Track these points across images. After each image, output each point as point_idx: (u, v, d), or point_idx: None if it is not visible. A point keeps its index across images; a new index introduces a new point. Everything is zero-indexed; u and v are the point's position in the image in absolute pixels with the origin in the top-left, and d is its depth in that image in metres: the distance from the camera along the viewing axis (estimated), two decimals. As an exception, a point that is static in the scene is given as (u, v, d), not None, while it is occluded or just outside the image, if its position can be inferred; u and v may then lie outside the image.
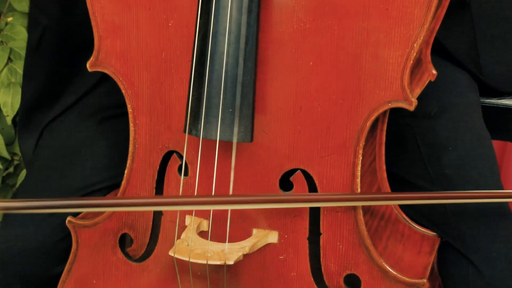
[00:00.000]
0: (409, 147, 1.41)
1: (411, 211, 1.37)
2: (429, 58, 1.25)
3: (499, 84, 1.51)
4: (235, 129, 1.16)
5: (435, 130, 1.41)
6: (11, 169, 1.87)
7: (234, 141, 1.17)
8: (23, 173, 1.82)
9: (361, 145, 1.20)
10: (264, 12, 1.16)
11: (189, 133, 1.18)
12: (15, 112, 1.77)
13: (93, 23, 1.26)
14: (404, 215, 1.35)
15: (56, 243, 1.40)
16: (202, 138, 1.17)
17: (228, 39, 1.14)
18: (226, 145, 1.20)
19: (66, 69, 1.47)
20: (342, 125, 1.19)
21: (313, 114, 1.19)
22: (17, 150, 1.84)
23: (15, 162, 1.87)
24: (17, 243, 1.40)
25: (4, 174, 1.86)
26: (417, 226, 1.36)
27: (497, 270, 1.32)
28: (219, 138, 1.16)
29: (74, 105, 1.48)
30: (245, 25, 1.14)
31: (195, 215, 1.26)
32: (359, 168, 1.21)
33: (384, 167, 1.34)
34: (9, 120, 1.79)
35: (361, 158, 1.21)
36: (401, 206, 1.36)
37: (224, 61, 1.14)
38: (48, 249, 1.40)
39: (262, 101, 1.19)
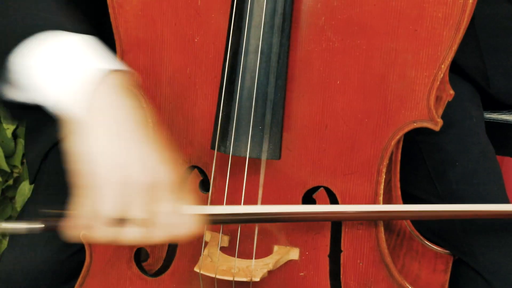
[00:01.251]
0: (416, 163, 1.43)
1: (422, 229, 1.39)
2: (447, 78, 1.27)
3: (505, 96, 1.53)
4: (264, 146, 1.16)
5: (441, 146, 1.42)
6: (10, 182, 1.85)
7: (263, 158, 1.17)
8: (23, 185, 1.81)
9: (384, 163, 1.21)
10: (295, 31, 1.17)
11: (218, 149, 1.18)
12: (15, 125, 1.76)
13: (116, 37, 1.25)
14: (417, 233, 1.36)
15: (63, 261, 1.39)
16: (231, 155, 1.17)
17: (260, 57, 1.14)
18: (252, 162, 1.20)
19: None
20: (366, 144, 1.20)
21: (338, 133, 1.20)
22: (17, 162, 1.82)
23: (15, 175, 1.85)
24: (24, 263, 1.39)
25: (3, 187, 1.85)
26: (429, 244, 1.37)
27: (509, 284, 1.34)
28: (248, 155, 1.16)
29: None
30: (277, 44, 1.14)
31: (216, 231, 1.26)
32: (382, 186, 1.22)
33: (398, 184, 1.35)
34: (9, 133, 1.77)
35: (384, 176, 1.22)
36: (413, 223, 1.37)
37: (255, 79, 1.15)
38: (56, 268, 1.39)
39: (288, 118, 1.20)
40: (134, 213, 1.06)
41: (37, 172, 1.50)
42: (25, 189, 1.92)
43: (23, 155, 2.00)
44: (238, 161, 1.20)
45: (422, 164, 1.42)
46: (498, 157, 1.79)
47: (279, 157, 1.18)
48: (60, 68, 1.10)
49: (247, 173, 1.20)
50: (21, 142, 2.02)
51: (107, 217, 1.06)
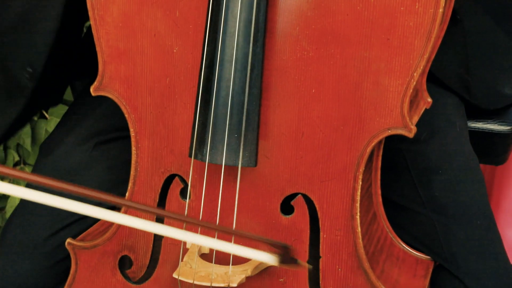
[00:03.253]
0: (400, 171, 1.45)
1: (405, 235, 1.41)
2: (425, 86, 1.29)
3: (485, 102, 1.55)
4: (240, 154, 1.19)
5: (425, 154, 1.44)
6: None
7: (239, 165, 1.19)
8: (13, 197, 1.83)
9: (360, 170, 1.23)
10: (269, 41, 1.19)
11: (195, 157, 1.20)
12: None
13: (97, 48, 1.28)
14: (399, 239, 1.38)
15: (49, 269, 1.41)
16: (208, 162, 1.19)
17: (234, 66, 1.17)
18: (229, 170, 1.22)
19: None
20: (342, 151, 1.22)
21: (314, 140, 1.22)
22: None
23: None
24: (10, 272, 1.41)
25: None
26: (411, 250, 1.38)
27: None
28: (224, 162, 1.19)
29: (71, 128, 1.50)
30: (251, 54, 1.17)
31: (196, 238, 1.28)
32: (358, 193, 1.24)
33: (379, 191, 1.37)
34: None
35: (360, 183, 1.24)
36: (395, 230, 1.39)
37: (230, 88, 1.17)
38: (42, 276, 1.41)
39: (265, 126, 1.22)
40: None
41: None
42: (16, 198, 1.94)
43: (14, 165, 2.03)
44: (216, 168, 1.22)
45: (405, 171, 1.44)
46: (483, 167, 1.81)
47: (255, 165, 1.21)
48: None
49: (224, 181, 1.22)
50: (11, 152, 2.05)
51: None
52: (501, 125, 1.59)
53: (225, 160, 1.19)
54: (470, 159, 1.46)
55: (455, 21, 1.44)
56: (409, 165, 1.44)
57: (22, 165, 2.06)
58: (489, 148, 1.62)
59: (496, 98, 1.52)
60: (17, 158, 2.06)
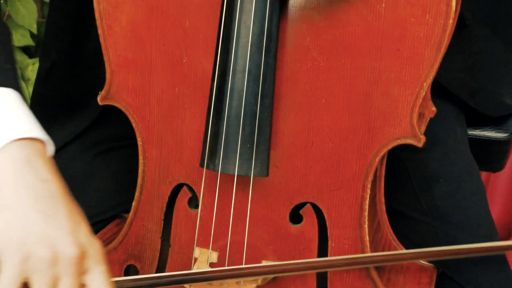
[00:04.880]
0: (401, 179, 1.46)
1: (408, 243, 1.42)
2: (429, 95, 1.30)
3: (487, 110, 1.56)
4: (252, 164, 1.19)
5: (426, 163, 1.46)
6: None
7: (252, 175, 1.20)
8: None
9: (369, 179, 1.24)
10: (280, 51, 1.20)
11: (207, 167, 1.21)
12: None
13: (105, 58, 1.28)
14: (402, 247, 1.39)
15: None
16: (220, 172, 1.20)
17: (247, 77, 1.17)
18: (240, 179, 1.23)
19: (72, 102, 1.48)
20: (352, 160, 1.23)
21: (324, 149, 1.23)
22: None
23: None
24: None
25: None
26: None
27: None
28: (237, 172, 1.19)
29: (74, 138, 1.49)
30: (264, 64, 1.17)
31: (205, 247, 1.28)
32: (367, 202, 1.25)
33: (383, 200, 1.38)
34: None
35: (369, 192, 1.25)
36: (398, 238, 1.40)
37: (243, 99, 1.18)
38: None
39: (275, 136, 1.22)
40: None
41: None
42: None
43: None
44: (227, 178, 1.22)
45: (407, 180, 1.45)
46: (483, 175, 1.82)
47: (267, 174, 1.21)
48: None
49: (236, 190, 1.22)
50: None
51: None
52: (499, 132, 1.60)
53: (237, 170, 1.19)
54: (471, 167, 1.48)
55: (464, 25, 1.46)
56: (410, 174, 1.45)
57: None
58: (486, 155, 1.63)
59: (497, 106, 1.54)
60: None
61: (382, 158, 1.32)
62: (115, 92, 1.29)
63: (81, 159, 1.47)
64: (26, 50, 2.39)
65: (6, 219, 1.06)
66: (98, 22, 1.26)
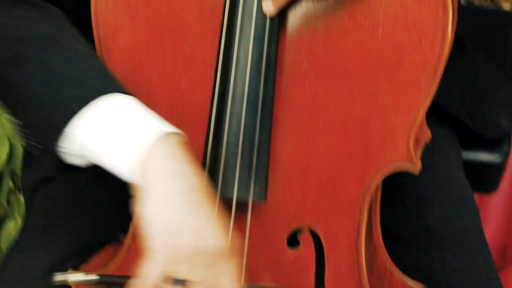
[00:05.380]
0: (395, 202, 1.47)
1: (402, 265, 1.43)
2: (425, 120, 1.31)
3: (485, 130, 1.57)
4: (251, 188, 1.20)
5: (420, 186, 1.47)
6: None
7: (250, 199, 1.21)
8: (8, 224, 1.83)
9: (366, 204, 1.25)
10: (279, 76, 1.21)
11: (205, 191, 1.21)
12: (1, 167, 1.78)
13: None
14: (397, 269, 1.40)
15: None
16: (218, 197, 1.20)
17: (246, 103, 1.18)
18: (238, 203, 1.23)
19: None
20: (349, 185, 1.24)
21: (321, 174, 1.24)
22: (2, 200, 1.84)
23: (0, 213, 1.87)
24: None
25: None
26: (409, 280, 1.40)
27: None
28: (235, 196, 1.20)
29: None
30: (262, 90, 1.19)
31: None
32: (364, 226, 1.26)
33: (378, 223, 1.38)
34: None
35: (366, 216, 1.26)
36: (394, 261, 1.40)
37: (241, 124, 1.19)
38: None
39: (273, 160, 1.23)
40: (187, 277, 1.12)
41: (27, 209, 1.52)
42: (11, 227, 1.94)
43: (9, 192, 2.03)
44: (225, 201, 1.23)
45: (401, 203, 1.46)
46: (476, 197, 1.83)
47: (265, 198, 1.22)
48: (115, 137, 1.16)
49: (234, 214, 1.23)
50: (6, 180, 2.04)
51: (157, 279, 1.12)
52: (493, 155, 1.62)
53: (236, 194, 1.20)
54: (465, 190, 1.49)
55: (462, 47, 1.47)
56: (405, 197, 1.46)
57: (17, 193, 2.06)
58: (480, 178, 1.65)
59: (493, 128, 1.55)
60: (11, 186, 2.05)
61: (379, 183, 1.33)
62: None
63: (81, 177, 1.47)
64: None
65: (157, 210, 1.13)
66: (97, 47, 1.27)
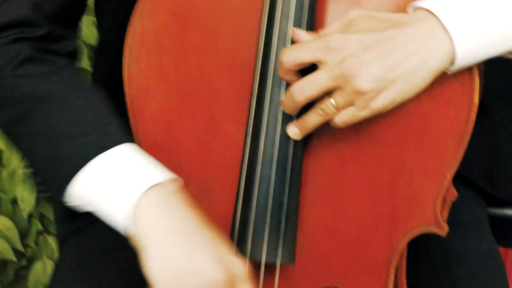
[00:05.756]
0: (421, 259, 1.48)
1: None
2: (451, 181, 1.32)
3: (506, 195, 1.58)
4: (279, 251, 1.22)
5: (446, 243, 1.47)
6: (23, 262, 1.90)
7: (278, 262, 1.22)
8: (36, 265, 1.85)
9: (393, 265, 1.27)
10: (308, 141, 1.23)
11: (235, 254, 1.23)
12: (31, 208, 1.81)
13: (136, 140, 1.31)
14: None
15: None
16: (248, 259, 1.22)
17: (275, 168, 1.20)
18: (267, 265, 1.25)
19: None
20: (376, 247, 1.26)
21: (349, 236, 1.26)
22: (30, 242, 1.87)
23: (28, 255, 1.90)
24: None
25: (17, 267, 1.89)
26: None
27: None
28: (264, 259, 1.22)
29: None
30: (291, 155, 1.21)
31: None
32: (391, 285, 1.27)
33: (404, 279, 1.40)
34: (24, 214, 1.82)
35: (392, 277, 1.27)
36: None
37: (271, 188, 1.21)
38: None
39: (301, 223, 1.25)
40: None
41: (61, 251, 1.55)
42: (39, 269, 1.97)
43: (37, 234, 2.05)
44: (254, 264, 1.25)
45: (427, 260, 1.47)
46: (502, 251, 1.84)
47: (293, 261, 1.24)
48: (109, 191, 1.21)
49: (263, 276, 1.25)
50: (35, 221, 2.07)
51: None
52: (518, 210, 1.62)
53: (265, 257, 1.22)
54: (491, 247, 1.50)
55: (486, 112, 1.48)
56: (431, 254, 1.47)
57: (45, 235, 2.09)
58: (506, 232, 1.65)
59: None
60: (40, 227, 2.08)
61: (405, 245, 1.35)
62: (144, 174, 1.32)
63: (108, 234, 1.50)
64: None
65: (156, 260, 1.18)
66: (128, 107, 1.30)
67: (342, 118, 1.17)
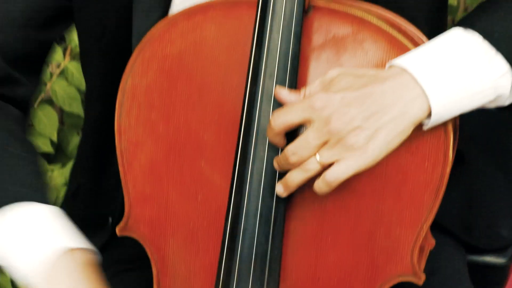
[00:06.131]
0: None
1: None
2: (429, 230, 1.37)
3: (484, 243, 1.62)
4: (263, 300, 1.27)
5: None
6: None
7: (261, 311, 1.27)
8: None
9: (372, 312, 1.31)
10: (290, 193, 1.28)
11: (220, 302, 1.28)
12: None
13: (124, 192, 1.36)
14: None
15: None
16: (231, 308, 1.27)
17: (259, 220, 1.26)
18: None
19: (92, 224, 1.55)
20: (356, 295, 1.31)
21: (330, 284, 1.30)
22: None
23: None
24: None
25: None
26: None
27: None
28: (247, 308, 1.27)
29: None
30: (274, 208, 1.26)
31: None
32: (370, 331, 1.32)
33: None
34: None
35: (372, 323, 1.32)
36: None
37: (254, 239, 1.26)
38: None
39: (284, 271, 1.30)
40: None
41: None
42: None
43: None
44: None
45: None
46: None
47: (277, 309, 1.29)
48: (22, 243, 1.27)
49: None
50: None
51: None
52: (497, 258, 1.66)
53: (248, 306, 1.26)
54: None
55: (463, 161, 1.52)
56: None
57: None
58: (486, 280, 1.69)
59: (494, 239, 1.59)
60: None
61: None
62: (133, 224, 1.36)
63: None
64: (45, 156, 2.49)
65: None
66: (119, 159, 1.35)
67: (333, 174, 1.22)
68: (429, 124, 1.23)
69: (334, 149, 1.20)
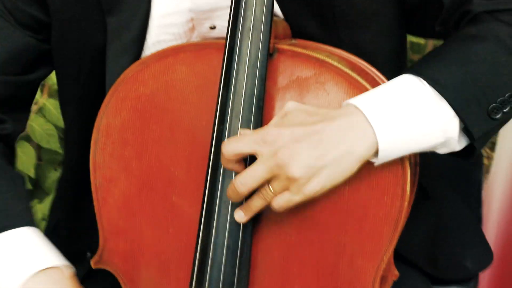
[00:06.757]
0: None
1: None
2: (392, 260, 1.44)
3: (448, 275, 1.68)
4: (230, 330, 1.33)
5: None
6: None
7: None
8: None
9: None
10: (256, 226, 1.34)
11: (190, 332, 1.34)
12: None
13: (99, 226, 1.42)
14: None
15: None
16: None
17: (226, 252, 1.32)
18: None
19: (71, 258, 1.60)
20: (321, 323, 1.36)
21: (295, 314, 1.36)
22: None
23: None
24: None
25: None
26: None
27: None
28: (216, 338, 1.32)
29: None
30: (241, 241, 1.32)
31: None
32: None
33: None
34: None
35: None
36: None
37: (222, 271, 1.32)
38: None
39: (251, 302, 1.36)
40: None
41: None
42: None
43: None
44: None
45: None
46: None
47: None
48: (7, 266, 1.38)
49: None
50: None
51: None
52: (462, 288, 1.72)
53: (217, 335, 1.32)
54: None
55: (427, 197, 1.57)
56: None
57: None
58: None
59: (458, 270, 1.63)
60: None
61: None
62: (107, 257, 1.42)
63: None
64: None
65: None
66: (93, 195, 1.41)
67: (279, 202, 1.29)
68: (377, 162, 1.29)
69: (281, 181, 1.27)
